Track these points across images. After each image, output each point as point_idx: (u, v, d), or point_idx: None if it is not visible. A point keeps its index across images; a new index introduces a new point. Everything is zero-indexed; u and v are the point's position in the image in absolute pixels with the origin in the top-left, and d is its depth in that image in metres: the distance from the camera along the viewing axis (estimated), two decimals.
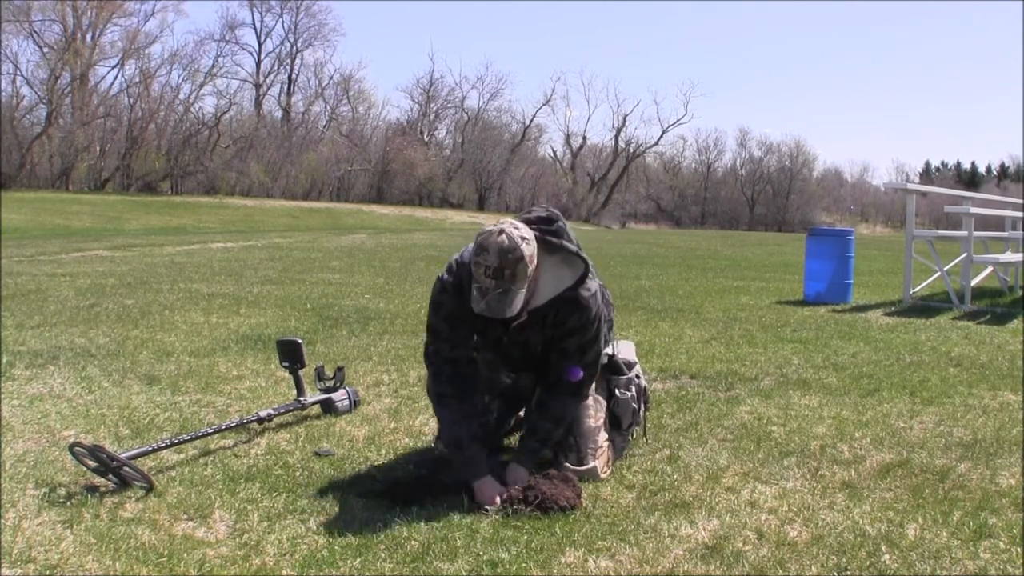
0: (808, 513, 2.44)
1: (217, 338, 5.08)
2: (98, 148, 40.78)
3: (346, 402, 3.49)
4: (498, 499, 2.43)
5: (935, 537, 2.27)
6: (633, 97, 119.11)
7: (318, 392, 3.46)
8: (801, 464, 2.89)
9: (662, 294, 8.24)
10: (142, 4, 47.57)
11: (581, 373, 2.66)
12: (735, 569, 2.08)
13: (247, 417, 3.13)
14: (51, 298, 6.66)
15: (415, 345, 5.00)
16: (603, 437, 2.76)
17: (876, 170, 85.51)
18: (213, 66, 45.26)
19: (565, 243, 2.62)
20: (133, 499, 2.46)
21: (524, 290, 2.48)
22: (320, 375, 3.46)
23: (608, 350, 2.89)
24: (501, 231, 2.44)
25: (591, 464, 2.68)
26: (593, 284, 2.65)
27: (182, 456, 2.86)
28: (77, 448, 2.54)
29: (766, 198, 63.14)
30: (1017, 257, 8.64)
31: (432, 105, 56.18)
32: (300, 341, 3.41)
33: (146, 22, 43.34)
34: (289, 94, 50.91)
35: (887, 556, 2.15)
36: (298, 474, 2.71)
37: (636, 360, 3.08)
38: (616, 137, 59.53)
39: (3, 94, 38.26)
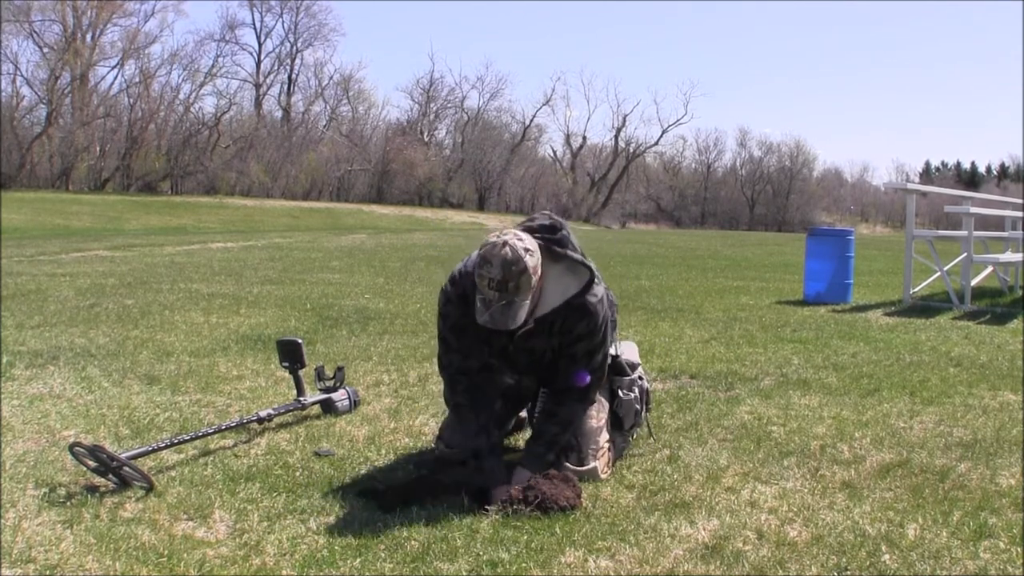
0: (808, 513, 2.44)
1: (217, 338, 5.08)
2: (98, 148, 40.79)
3: (346, 402, 3.49)
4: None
5: (935, 537, 2.27)
6: (633, 97, 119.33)
7: (318, 392, 3.45)
8: (801, 464, 2.89)
9: (662, 294, 8.24)
10: (142, 4, 47.62)
11: (589, 378, 2.67)
12: (735, 569, 2.08)
13: (247, 417, 3.13)
14: (51, 298, 6.66)
15: (415, 345, 5.00)
16: (604, 438, 2.76)
17: (876, 170, 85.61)
18: (213, 66, 45.35)
19: (569, 252, 2.62)
20: (133, 499, 2.46)
21: (528, 301, 2.48)
22: (320, 375, 3.46)
23: (611, 351, 2.89)
24: (504, 243, 2.44)
25: (592, 464, 2.68)
26: (599, 289, 2.65)
27: (182, 456, 2.86)
28: (77, 448, 2.54)
29: (766, 198, 63.15)
30: (1017, 257, 8.64)
31: (432, 105, 56.23)
32: (300, 341, 3.41)
33: (146, 22, 43.43)
34: (289, 94, 50.97)
35: (887, 556, 2.15)
36: (298, 474, 2.71)
37: (639, 361, 3.08)
38: (616, 137, 59.62)
39: (3, 94, 38.32)
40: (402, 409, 3.56)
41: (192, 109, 44.72)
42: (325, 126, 52.05)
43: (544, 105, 65.68)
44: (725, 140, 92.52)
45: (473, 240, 17.48)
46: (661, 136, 63.84)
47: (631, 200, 60.39)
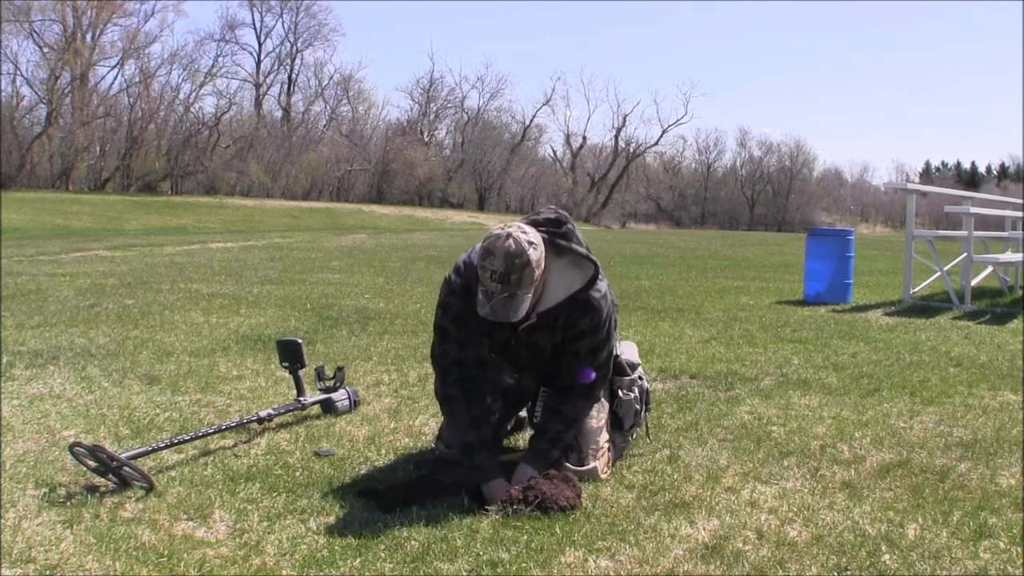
0: (808, 513, 2.44)
1: (217, 338, 5.08)
2: (98, 148, 40.80)
3: (346, 402, 3.49)
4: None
5: (935, 537, 2.27)
6: (633, 97, 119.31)
7: (318, 392, 3.45)
8: (801, 464, 2.89)
9: (662, 294, 8.24)
10: (142, 4, 47.63)
11: (593, 374, 2.66)
12: (735, 569, 2.08)
13: (247, 417, 3.13)
14: (51, 298, 6.66)
15: (415, 345, 5.00)
16: (604, 438, 2.76)
17: (876, 170, 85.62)
18: (213, 66, 45.36)
19: (574, 246, 2.61)
20: (133, 499, 2.46)
21: (530, 295, 2.47)
22: (320, 375, 3.46)
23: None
24: (508, 235, 2.43)
25: (592, 464, 2.68)
26: (603, 285, 2.64)
27: (182, 456, 2.86)
28: (77, 448, 2.54)
29: (766, 198, 63.14)
30: (1017, 257, 8.64)
31: (432, 105, 56.25)
32: (300, 341, 3.41)
33: (146, 22, 43.44)
34: (289, 94, 50.98)
35: (887, 556, 2.15)
36: (298, 474, 2.71)
37: (639, 361, 3.08)
38: (616, 137, 59.61)
39: (3, 94, 38.34)
40: (402, 409, 3.56)
41: (192, 109, 44.80)
42: (325, 126, 52.07)
43: (544, 105, 65.71)
44: (725, 140, 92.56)
45: (473, 240, 17.44)
46: (661, 136, 63.84)
47: (631, 200, 60.39)
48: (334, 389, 3.47)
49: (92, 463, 2.52)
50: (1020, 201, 10.97)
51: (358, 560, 2.09)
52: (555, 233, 2.60)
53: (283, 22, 49.91)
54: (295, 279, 8.83)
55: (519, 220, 2.62)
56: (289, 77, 50.71)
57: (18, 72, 39.47)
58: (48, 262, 10.15)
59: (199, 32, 70.09)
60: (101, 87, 42.64)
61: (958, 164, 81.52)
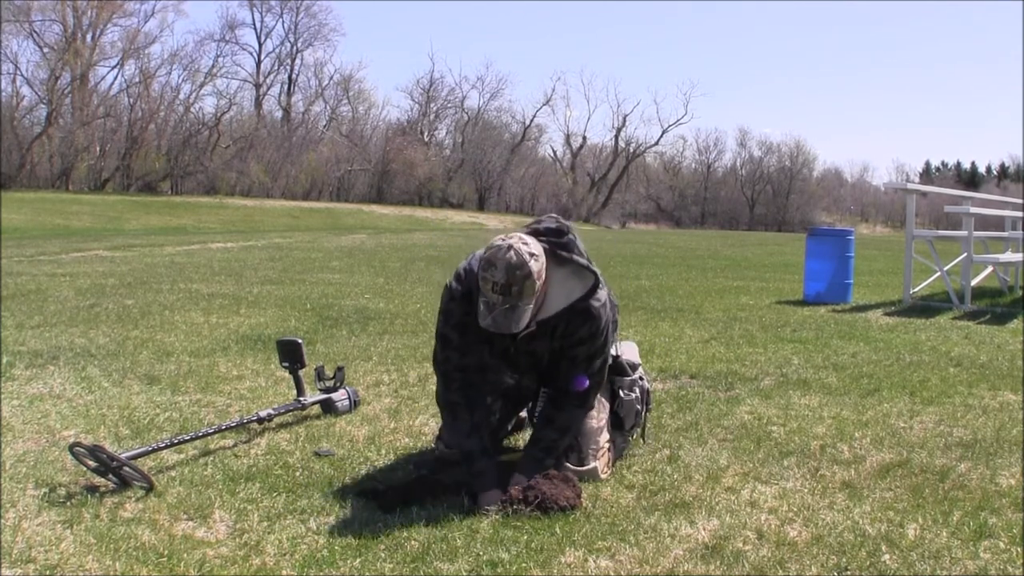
0: (808, 513, 2.44)
1: (217, 338, 5.08)
2: (98, 148, 40.80)
3: (346, 402, 3.49)
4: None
5: (935, 537, 2.27)
6: (633, 97, 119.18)
7: (318, 392, 3.45)
8: (801, 464, 2.89)
9: (662, 294, 8.24)
10: (142, 4, 47.64)
11: (588, 382, 2.67)
12: (735, 569, 2.08)
13: (247, 417, 3.13)
14: (51, 298, 6.66)
15: (415, 345, 5.00)
16: (604, 438, 2.76)
17: (876, 170, 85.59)
18: (213, 66, 45.37)
19: (575, 256, 2.61)
20: (133, 499, 2.46)
21: (531, 306, 2.48)
22: (320, 375, 3.46)
23: (612, 351, 2.89)
24: (510, 247, 2.43)
25: (592, 464, 2.68)
26: (603, 294, 2.65)
27: (182, 456, 2.86)
28: (77, 448, 2.54)
29: (766, 198, 63.14)
30: (1017, 257, 8.64)
31: (432, 105, 56.24)
32: (300, 341, 3.41)
33: (146, 22, 43.45)
34: (289, 94, 50.97)
35: (887, 556, 2.15)
36: (298, 474, 2.71)
37: (639, 361, 3.08)
38: (616, 137, 59.62)
39: (3, 94, 38.34)
40: (402, 409, 3.56)
41: (192, 109, 44.81)
42: (325, 126, 52.07)
43: (544, 105, 65.83)
44: (725, 140, 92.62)
45: (473, 240, 17.49)
46: (661, 136, 63.99)
47: (631, 200, 60.39)
48: (334, 389, 3.47)
49: (92, 463, 2.52)
50: (1020, 201, 10.97)
51: (358, 560, 2.09)
52: (556, 243, 2.60)
53: (283, 22, 49.98)
54: (295, 279, 8.83)
55: (520, 230, 2.62)
56: (289, 77, 50.78)
57: (18, 72, 39.54)
58: (48, 262, 10.16)
59: (199, 32, 70.24)
60: (101, 87, 42.71)
61: (958, 164, 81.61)
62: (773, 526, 2.34)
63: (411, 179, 50.29)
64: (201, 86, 44.86)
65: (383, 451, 2.98)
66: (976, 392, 4.03)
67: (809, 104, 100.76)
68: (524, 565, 2.07)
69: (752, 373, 4.39)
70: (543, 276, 2.49)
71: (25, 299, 6.57)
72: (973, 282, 8.14)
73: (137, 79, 42.59)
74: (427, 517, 2.34)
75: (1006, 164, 76.83)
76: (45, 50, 39.77)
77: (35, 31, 39.38)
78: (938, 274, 8.09)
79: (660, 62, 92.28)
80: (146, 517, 2.33)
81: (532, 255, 2.44)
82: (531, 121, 58.08)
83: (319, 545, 2.17)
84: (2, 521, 2.29)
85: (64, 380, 3.91)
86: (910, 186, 8.73)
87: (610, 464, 2.77)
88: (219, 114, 45.15)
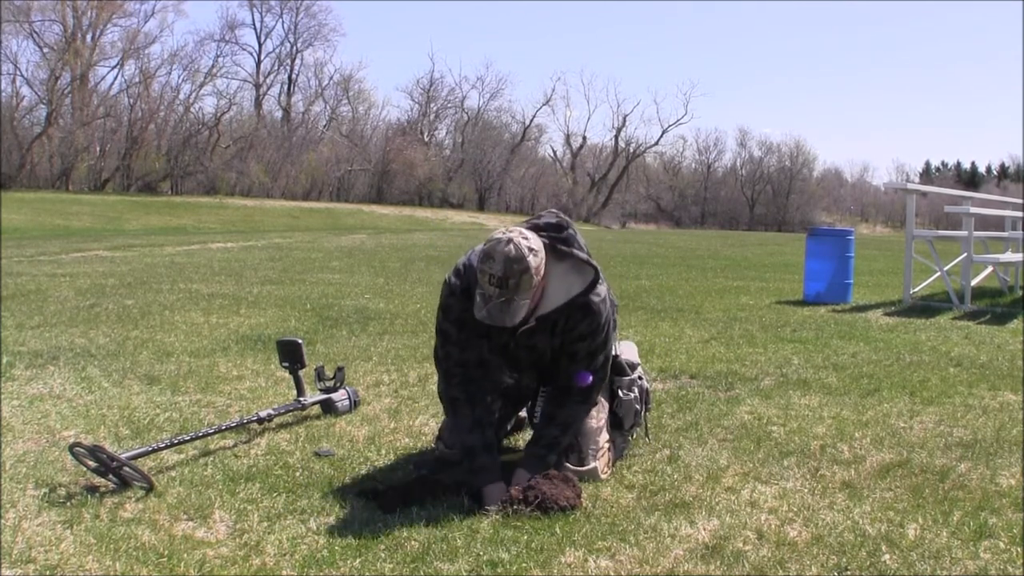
0: (808, 513, 2.44)
1: (217, 338, 5.08)
2: (98, 148, 40.82)
3: (346, 402, 3.49)
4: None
5: (935, 537, 2.27)
6: (633, 97, 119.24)
7: (318, 392, 3.45)
8: (801, 464, 2.89)
9: (662, 294, 8.24)
10: (142, 4, 47.65)
11: (591, 378, 2.66)
12: (735, 569, 2.08)
13: (247, 417, 3.13)
14: (51, 298, 6.66)
15: (415, 345, 5.00)
16: (604, 438, 2.76)
17: (876, 170, 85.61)
18: (213, 66, 45.39)
19: (575, 251, 2.61)
20: (133, 499, 2.46)
21: (528, 301, 2.47)
22: (320, 375, 3.46)
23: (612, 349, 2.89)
24: (509, 240, 2.43)
25: (592, 464, 2.68)
26: (602, 289, 2.65)
27: (182, 456, 2.86)
28: (77, 448, 2.54)
29: (766, 198, 63.13)
30: (1017, 257, 8.64)
31: (432, 105, 56.25)
32: (300, 341, 3.41)
33: (146, 22, 43.47)
34: (289, 94, 50.98)
35: (887, 556, 2.15)
36: (298, 474, 2.71)
37: (639, 361, 3.08)
38: (616, 137, 59.62)
39: (3, 94, 38.36)
40: (402, 409, 3.56)
41: (192, 109, 44.83)
42: (325, 126, 52.08)
43: (544, 105, 65.86)
44: (725, 140, 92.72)
45: (473, 240, 17.48)
46: (661, 136, 64.03)
47: (631, 200, 60.39)
48: (334, 389, 3.47)
49: (92, 463, 2.52)
50: (1020, 201, 10.97)
51: (358, 560, 2.09)
52: (556, 238, 2.60)
53: (283, 22, 50.00)
54: (295, 279, 8.83)
55: (521, 224, 2.62)
56: (289, 77, 50.79)
57: (18, 72, 39.57)
58: (48, 262, 10.16)
59: (199, 32, 70.35)
60: (101, 87, 42.74)
61: (958, 164, 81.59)
62: (773, 526, 2.34)
63: (411, 179, 50.29)
64: (201, 86, 44.94)
65: (383, 451, 2.98)
66: (976, 392, 4.03)
67: (809, 104, 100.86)
68: (524, 565, 2.07)
69: (752, 373, 4.39)
70: (542, 272, 2.48)
71: (25, 299, 6.57)
72: (973, 282, 8.14)
73: (137, 79, 42.67)
74: (427, 517, 2.34)
75: (1006, 164, 76.90)
76: (45, 50, 39.83)
77: (35, 31, 39.45)
78: (938, 274, 8.09)
79: (660, 62, 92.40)
80: (146, 517, 2.33)
81: (531, 250, 2.44)
82: (531, 121, 58.19)
83: (319, 545, 2.17)
84: (2, 521, 2.29)
85: (64, 380, 3.91)
86: (910, 186, 8.73)
87: (610, 464, 2.77)
88: (219, 114, 45.19)
